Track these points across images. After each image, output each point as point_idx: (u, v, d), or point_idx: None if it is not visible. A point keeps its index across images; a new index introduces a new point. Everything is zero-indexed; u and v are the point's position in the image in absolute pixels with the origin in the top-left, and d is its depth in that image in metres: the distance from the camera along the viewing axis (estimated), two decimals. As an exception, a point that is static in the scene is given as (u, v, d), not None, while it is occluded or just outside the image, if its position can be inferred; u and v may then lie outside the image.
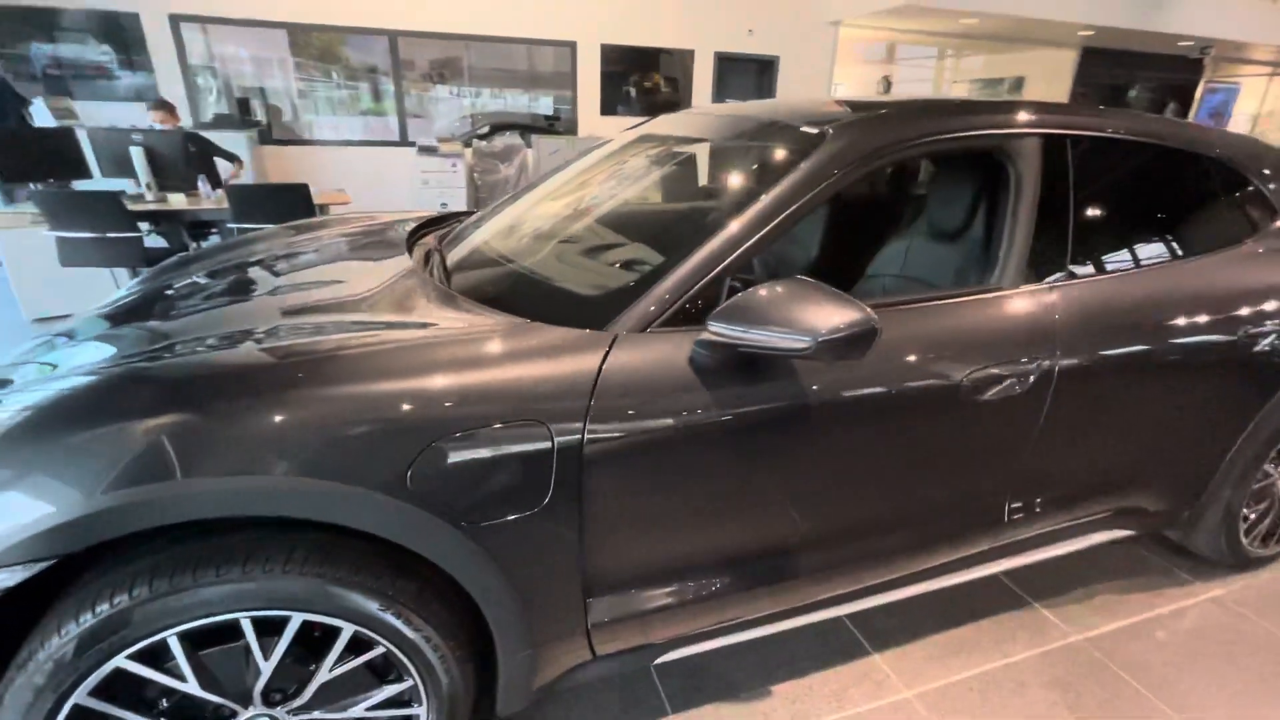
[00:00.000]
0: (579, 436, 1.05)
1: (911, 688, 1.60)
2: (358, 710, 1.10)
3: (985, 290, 1.44)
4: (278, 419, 0.92)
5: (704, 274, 1.19)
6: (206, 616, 0.93)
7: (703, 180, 1.42)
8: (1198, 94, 11.19)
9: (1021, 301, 1.42)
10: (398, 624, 1.02)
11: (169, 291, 1.55)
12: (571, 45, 7.20)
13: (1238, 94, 11.81)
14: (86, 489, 0.84)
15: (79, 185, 4.30)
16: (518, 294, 1.35)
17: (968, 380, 1.32)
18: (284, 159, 6.88)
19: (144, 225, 4.19)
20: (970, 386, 1.32)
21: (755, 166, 1.40)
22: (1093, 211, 1.58)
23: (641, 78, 7.52)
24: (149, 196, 4.18)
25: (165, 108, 4.35)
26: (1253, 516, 1.92)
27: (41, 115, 5.46)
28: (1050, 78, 9.82)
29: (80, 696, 0.91)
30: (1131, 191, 1.69)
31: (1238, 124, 12.45)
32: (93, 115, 5.76)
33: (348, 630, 1.02)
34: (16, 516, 0.83)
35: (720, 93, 7.90)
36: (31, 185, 3.72)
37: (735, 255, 1.21)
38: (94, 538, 0.86)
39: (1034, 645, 1.72)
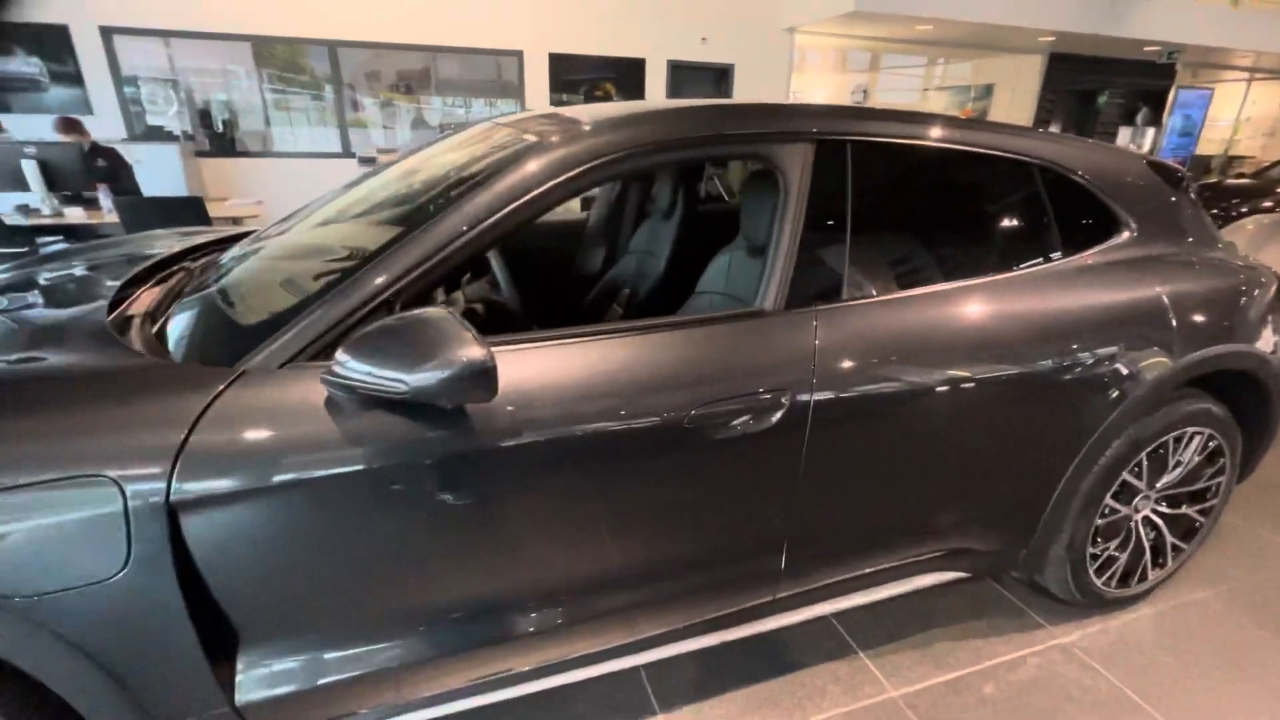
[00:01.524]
0: (163, 489, 0.90)
1: (692, 754, 1.43)
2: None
3: (739, 315, 1.29)
4: None
5: (364, 302, 1.04)
6: None
7: (424, 196, 1.28)
8: (1169, 99, 11.06)
9: (772, 327, 1.27)
10: None
11: None
12: (518, 54, 7.10)
13: (1210, 99, 11.66)
14: None
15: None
16: (188, 329, 1.20)
17: (692, 417, 1.16)
18: (226, 170, 6.78)
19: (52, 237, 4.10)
20: (697, 424, 1.17)
21: (461, 181, 1.25)
22: (877, 225, 1.43)
23: (592, 86, 7.42)
24: (45, 210, 4.07)
25: (72, 126, 4.24)
26: (1104, 554, 1.76)
27: (-33, 129, 5.37)
28: (1017, 84, 9.70)
29: None
30: (930, 202, 1.54)
31: (1212, 130, 12.31)
32: (23, 128, 5.66)
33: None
34: None
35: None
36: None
37: (404, 281, 1.06)
38: None
39: (841, 703, 1.56)
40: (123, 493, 0.88)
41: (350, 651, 1.11)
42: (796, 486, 1.31)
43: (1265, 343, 1.69)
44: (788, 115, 1.35)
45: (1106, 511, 1.68)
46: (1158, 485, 1.74)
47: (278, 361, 1.01)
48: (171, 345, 1.14)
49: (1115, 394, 1.49)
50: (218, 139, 6.87)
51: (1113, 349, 1.48)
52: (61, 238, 4.16)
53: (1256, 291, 1.71)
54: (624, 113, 1.30)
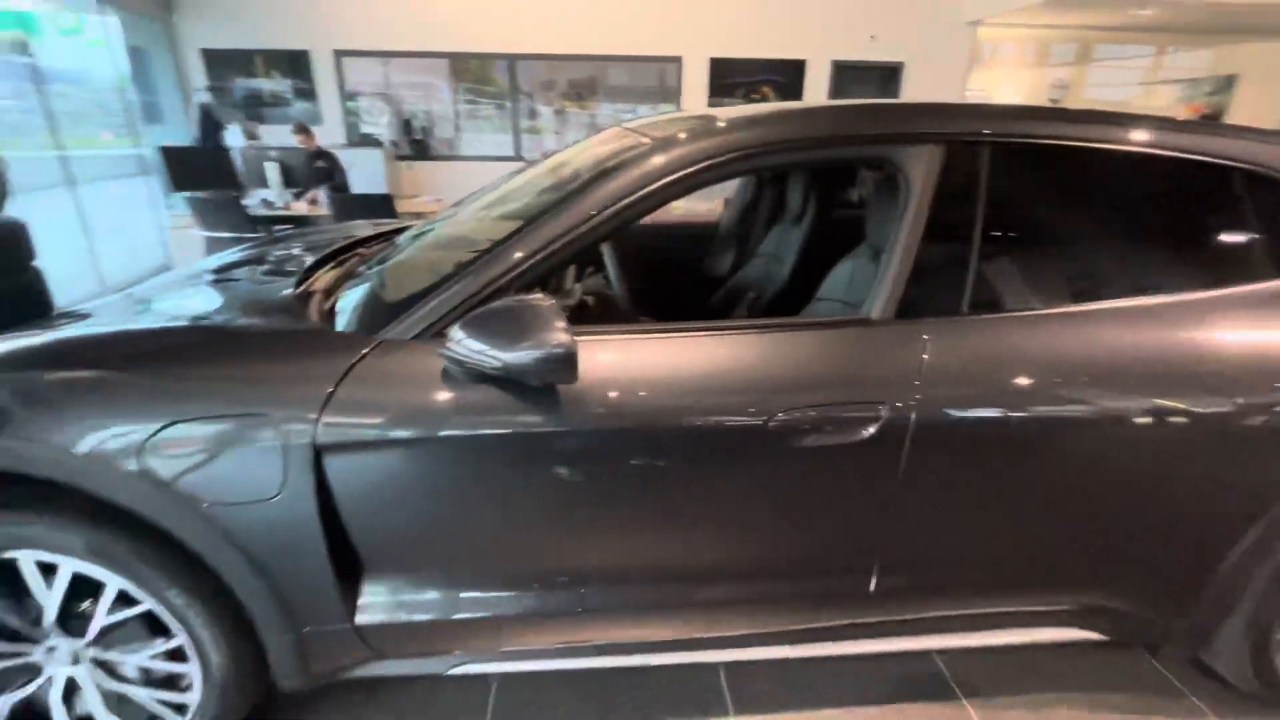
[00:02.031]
0: (310, 431, 1.08)
1: (760, 763, 1.42)
2: (139, 659, 1.23)
3: (842, 322, 1.25)
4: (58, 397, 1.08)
5: (483, 285, 1.18)
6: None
7: (544, 195, 1.39)
8: None
9: (876, 336, 1.22)
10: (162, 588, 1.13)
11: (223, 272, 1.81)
12: (678, 60, 7.27)
13: None
14: None
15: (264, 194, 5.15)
16: (347, 304, 1.41)
17: (777, 420, 1.15)
18: (418, 172, 7.71)
19: (283, 226, 4.98)
20: (782, 427, 1.16)
21: (577, 177, 1.34)
22: (1014, 236, 1.31)
23: (749, 90, 7.38)
24: (279, 203, 4.94)
25: (304, 131, 5.12)
26: (1297, 640, 1.44)
27: (234, 138, 6.67)
28: (1269, 75, 8.02)
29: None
30: (1086, 211, 1.36)
31: None
32: (268, 136, 6.89)
33: (114, 583, 1.14)
34: None
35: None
36: (193, 194, 4.56)
37: (518, 270, 1.18)
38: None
39: (934, 748, 1.44)
40: (281, 431, 1.08)
41: (454, 596, 1.25)
42: (891, 506, 1.25)
43: None
44: (914, 115, 1.29)
45: (1304, 590, 1.38)
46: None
47: (410, 334, 1.17)
48: (336, 317, 1.37)
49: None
50: (416, 144, 7.85)
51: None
52: (290, 226, 5.03)
53: None
54: (737, 115, 1.32)
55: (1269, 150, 1.32)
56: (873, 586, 1.32)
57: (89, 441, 1.05)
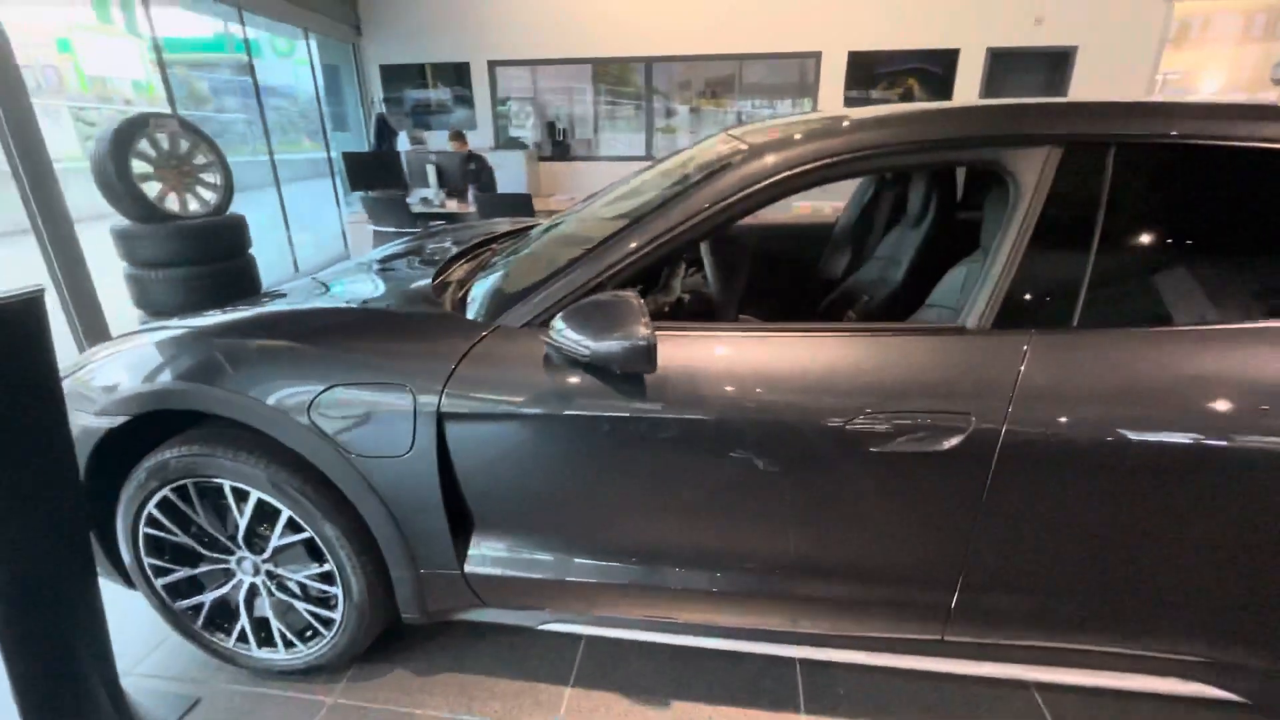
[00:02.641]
0: (435, 401, 1.28)
1: (827, 761, 1.43)
2: (300, 577, 1.51)
3: (936, 329, 1.23)
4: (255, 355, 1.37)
5: (585, 280, 1.30)
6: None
7: (647, 198, 1.48)
8: None
9: (971, 346, 1.18)
10: (316, 516, 1.39)
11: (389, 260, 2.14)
12: (816, 56, 7.07)
13: None
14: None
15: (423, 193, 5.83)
16: (475, 293, 1.60)
17: (855, 425, 1.17)
18: (558, 172, 8.20)
19: (438, 221, 5.56)
20: (861, 431, 1.17)
21: (681, 181, 1.42)
22: (1140, 245, 1.20)
23: (891, 83, 7.00)
24: (435, 201, 5.52)
25: (458, 137, 5.68)
26: None
27: (403, 143, 7.52)
28: None
29: (149, 507, 1.48)
30: (1235, 221, 1.21)
31: None
32: (438, 141, 7.67)
33: (286, 513, 1.42)
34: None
35: (995, 95, 6.89)
36: (366, 193, 5.24)
37: (617, 268, 1.29)
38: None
39: (1016, 780, 1.37)
40: (414, 399, 1.28)
41: (548, 559, 1.41)
42: (976, 523, 1.21)
43: None
44: (1027, 116, 1.23)
45: None
46: None
47: (521, 321, 1.33)
48: (468, 304, 1.56)
49: None
50: (557, 146, 8.36)
51: None
52: (444, 222, 5.61)
53: None
54: (835, 119, 1.34)
55: None
56: (954, 603, 1.29)
57: (275, 397, 1.32)
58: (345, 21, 7.26)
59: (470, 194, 5.39)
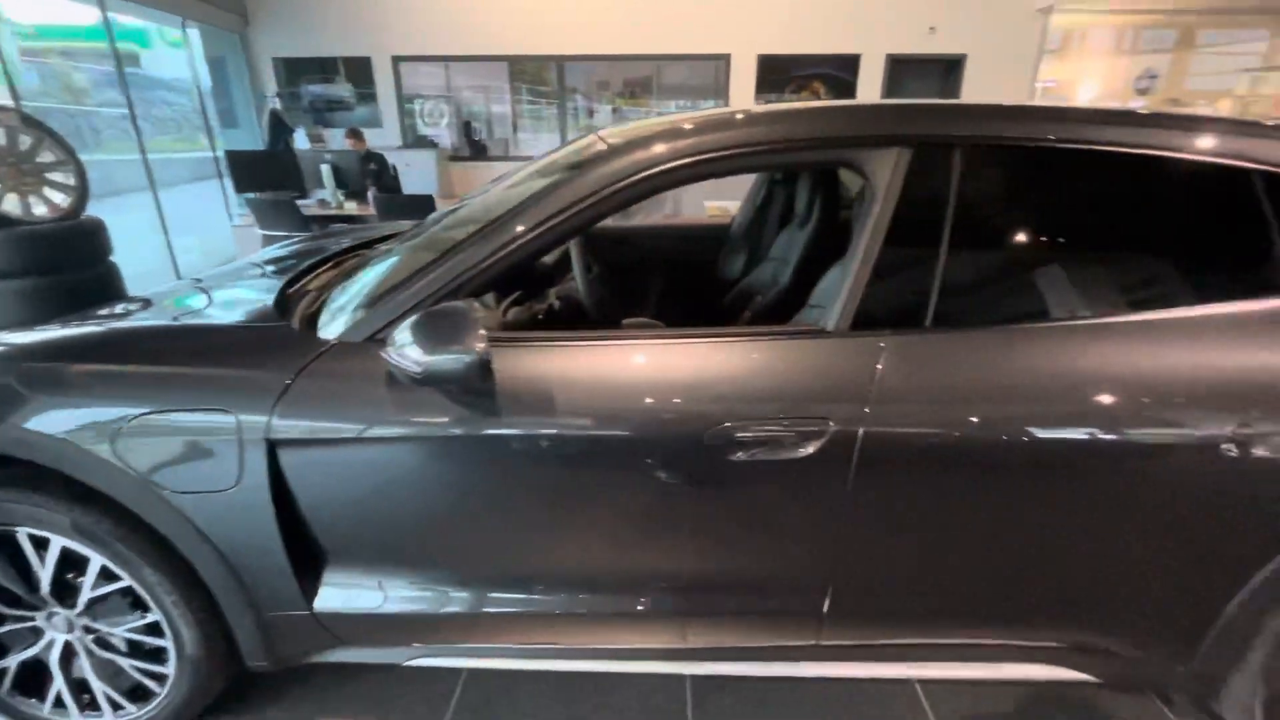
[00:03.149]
0: (264, 424, 1.14)
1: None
2: (122, 630, 1.32)
3: (795, 332, 1.21)
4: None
5: (433, 290, 1.20)
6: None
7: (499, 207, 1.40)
8: None
9: (829, 349, 1.17)
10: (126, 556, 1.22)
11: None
12: (726, 58, 7.18)
13: None
14: None
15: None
16: (320, 306, 1.45)
17: (712, 434, 1.12)
18: (470, 172, 7.95)
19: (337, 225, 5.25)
20: (719, 440, 1.13)
21: (543, 182, 1.34)
22: (989, 244, 1.22)
23: (799, 86, 7.21)
24: (332, 203, 5.20)
25: (355, 135, 5.38)
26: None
27: (301, 142, 7.08)
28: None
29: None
30: (1078, 218, 1.25)
31: None
32: (335, 140, 7.27)
33: (97, 560, 1.24)
34: None
35: (893, 98, 7.21)
36: (253, 195, 4.87)
37: (466, 277, 1.20)
38: None
39: (896, 779, 1.37)
40: (239, 425, 1.14)
41: (408, 590, 1.29)
42: (841, 527, 1.19)
43: None
44: (878, 116, 1.23)
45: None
46: None
47: (363, 335, 1.21)
48: (321, 316, 1.42)
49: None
50: (474, 145, 8.11)
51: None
52: (343, 225, 5.30)
53: None
54: (702, 119, 1.30)
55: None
56: (826, 608, 1.27)
57: (66, 428, 1.14)
58: (230, 10, 6.75)
59: (370, 195, 5.11)
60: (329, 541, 1.27)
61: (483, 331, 1.03)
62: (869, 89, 7.20)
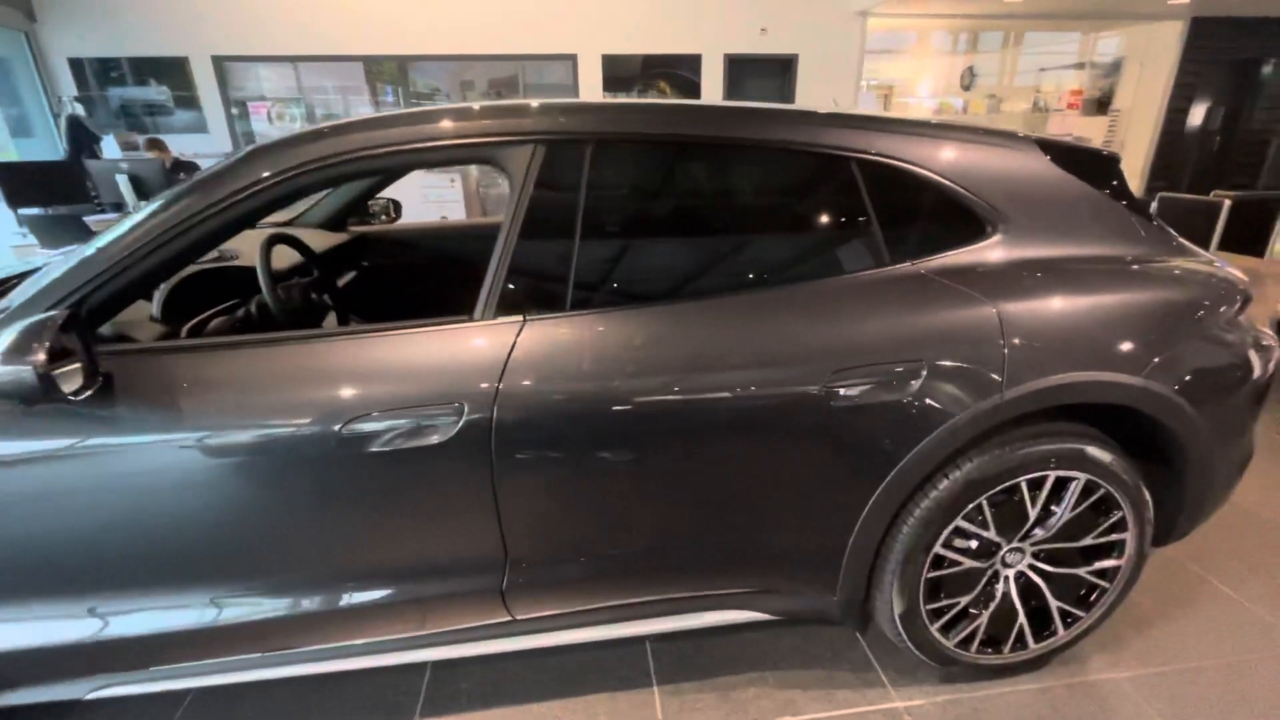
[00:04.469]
0: None
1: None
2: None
3: (447, 323, 1.26)
4: None
5: (57, 297, 1.15)
6: None
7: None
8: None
9: (471, 336, 1.23)
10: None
11: None
12: (572, 58, 7.25)
13: None
14: None
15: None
16: None
17: (346, 427, 1.15)
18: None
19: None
20: (355, 433, 1.16)
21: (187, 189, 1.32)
22: (618, 232, 1.33)
23: (645, 85, 7.41)
24: (136, 217, 4.78)
25: (156, 145, 4.97)
26: (955, 610, 1.50)
27: (111, 150, 6.44)
28: (1148, 58, 8.37)
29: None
30: (696, 206, 1.39)
31: None
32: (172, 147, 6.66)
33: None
34: None
35: (734, 95, 7.57)
36: (31, 210, 4.37)
37: (93, 284, 1.15)
38: None
39: (601, 736, 1.47)
40: None
41: (70, 620, 1.23)
42: (494, 505, 1.25)
43: (1166, 371, 1.35)
44: (513, 115, 1.30)
45: (946, 563, 1.44)
46: (1028, 538, 1.46)
47: None
48: None
49: (914, 428, 1.28)
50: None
51: (904, 375, 1.26)
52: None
53: (1159, 309, 1.38)
54: (344, 122, 1.32)
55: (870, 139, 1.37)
56: (505, 584, 1.34)
57: None
58: (9, 4, 6.02)
59: (181, 206, 4.74)
60: None
61: (44, 344, 1.00)
62: (712, 87, 7.51)
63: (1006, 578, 1.51)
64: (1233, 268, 1.60)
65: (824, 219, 1.40)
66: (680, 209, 1.39)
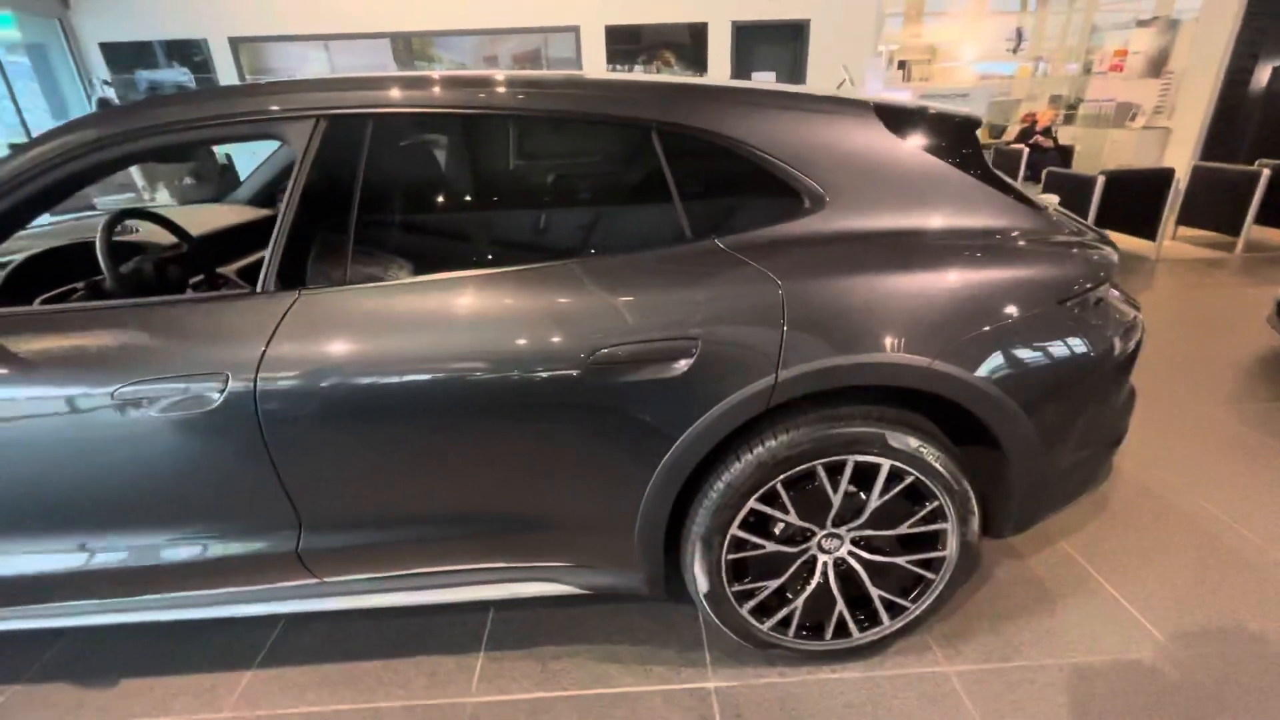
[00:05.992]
0: None
1: (255, 709, 1.51)
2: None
3: (234, 296, 1.30)
4: None
5: None
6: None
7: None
8: None
9: (248, 309, 1.27)
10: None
11: None
12: (575, 29, 7.16)
13: None
14: None
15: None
16: None
17: (119, 394, 1.22)
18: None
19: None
20: (125, 401, 1.22)
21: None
22: (396, 206, 1.34)
23: (651, 56, 7.25)
24: (147, 198, 5.06)
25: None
26: (763, 594, 1.48)
27: (140, 129, 6.78)
28: (1208, 13, 7.57)
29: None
30: (476, 179, 1.38)
31: None
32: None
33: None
34: None
35: (743, 65, 7.32)
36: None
37: None
38: None
39: (418, 696, 1.52)
40: None
41: None
42: (270, 472, 1.29)
43: (969, 353, 1.27)
44: (294, 91, 1.31)
45: (750, 545, 1.42)
46: (843, 524, 1.41)
47: None
48: None
49: (686, 408, 1.25)
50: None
51: (673, 354, 1.23)
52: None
53: (971, 286, 1.29)
54: (143, 100, 1.36)
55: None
56: (299, 547, 1.39)
57: None
58: (43, -7, 6.39)
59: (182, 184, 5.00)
60: None
61: None
62: (718, 56, 7.29)
63: (825, 564, 1.47)
64: (1104, 244, 1.48)
65: (617, 192, 1.37)
66: (465, 182, 1.38)
